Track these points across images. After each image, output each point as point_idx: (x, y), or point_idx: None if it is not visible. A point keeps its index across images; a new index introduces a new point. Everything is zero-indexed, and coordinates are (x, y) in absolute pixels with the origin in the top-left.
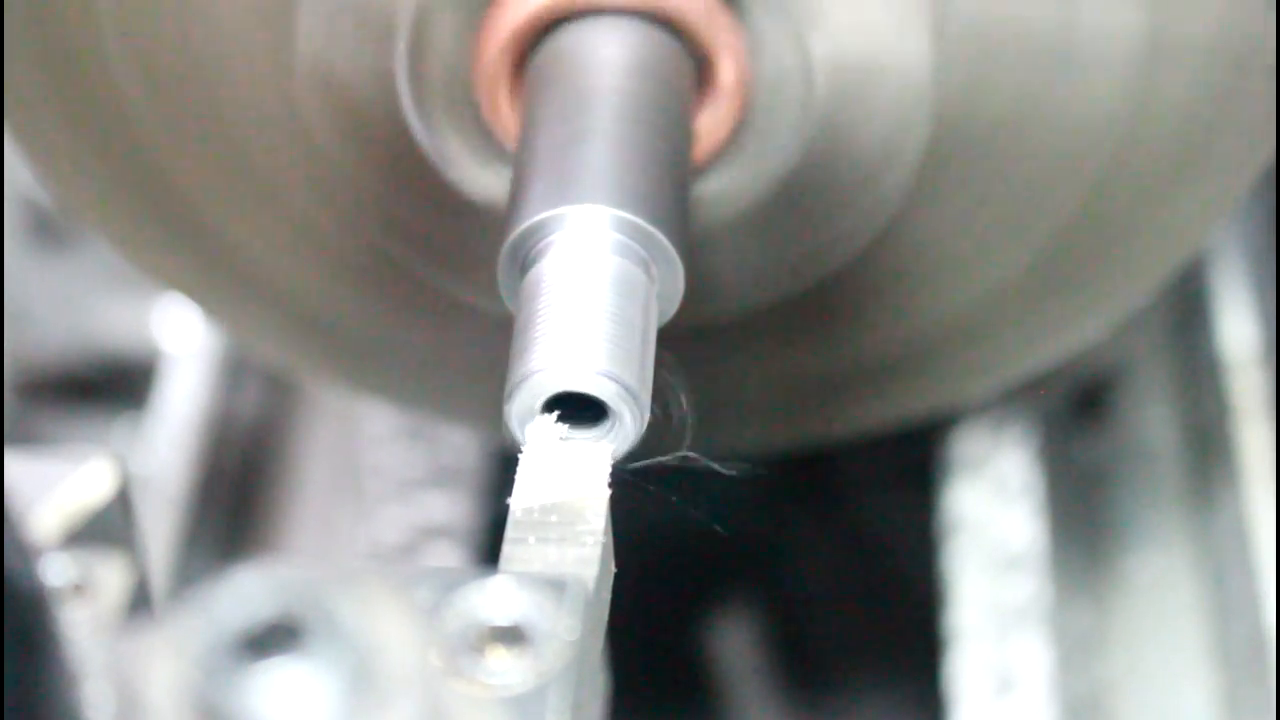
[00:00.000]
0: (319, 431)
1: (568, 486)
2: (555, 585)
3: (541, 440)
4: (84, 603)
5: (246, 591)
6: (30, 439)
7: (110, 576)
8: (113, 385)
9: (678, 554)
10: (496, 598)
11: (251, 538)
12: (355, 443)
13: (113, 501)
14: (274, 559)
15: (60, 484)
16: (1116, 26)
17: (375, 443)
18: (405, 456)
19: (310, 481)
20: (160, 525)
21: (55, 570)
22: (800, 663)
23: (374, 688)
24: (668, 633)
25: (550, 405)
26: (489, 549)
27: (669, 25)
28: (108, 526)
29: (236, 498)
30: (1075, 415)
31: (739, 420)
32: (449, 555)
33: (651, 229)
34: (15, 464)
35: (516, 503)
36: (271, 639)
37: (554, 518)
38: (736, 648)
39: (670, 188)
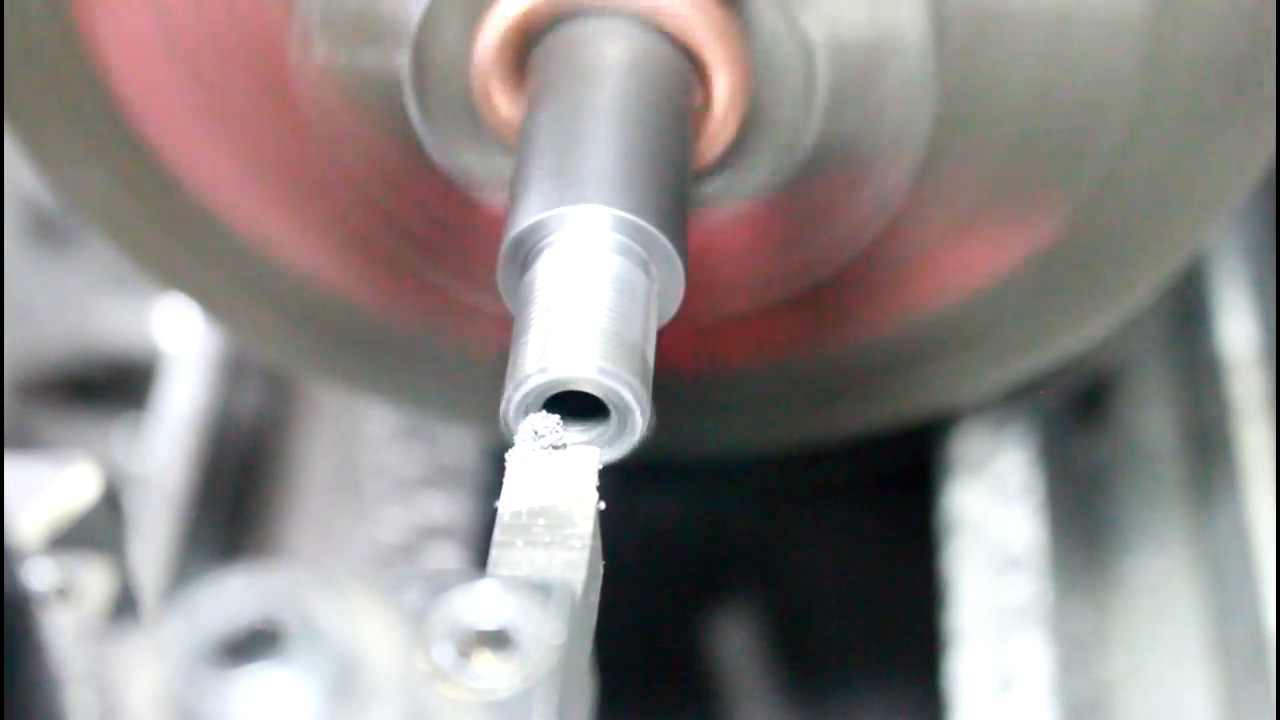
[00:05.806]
0: (319, 431)
1: (556, 490)
2: (542, 589)
3: (530, 443)
4: (67, 607)
5: (228, 596)
6: (31, 439)
7: (94, 581)
8: (113, 385)
9: (678, 554)
10: (483, 602)
11: (251, 538)
12: (355, 443)
13: (97, 505)
14: (271, 560)
15: (45, 488)
16: (1118, 15)
17: (375, 443)
18: (405, 456)
19: (310, 481)
20: (160, 525)
21: (39, 575)
22: (800, 663)
23: (356, 693)
24: (667, 633)
25: (550, 405)
26: (488, 549)
27: (665, 34)
28: (92, 531)
29: (236, 498)
30: (1075, 415)
31: (740, 420)
32: (449, 555)
33: (651, 229)
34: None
35: (505, 506)
36: (253, 644)
37: (542, 521)
38: (736, 647)
39: (670, 188)
